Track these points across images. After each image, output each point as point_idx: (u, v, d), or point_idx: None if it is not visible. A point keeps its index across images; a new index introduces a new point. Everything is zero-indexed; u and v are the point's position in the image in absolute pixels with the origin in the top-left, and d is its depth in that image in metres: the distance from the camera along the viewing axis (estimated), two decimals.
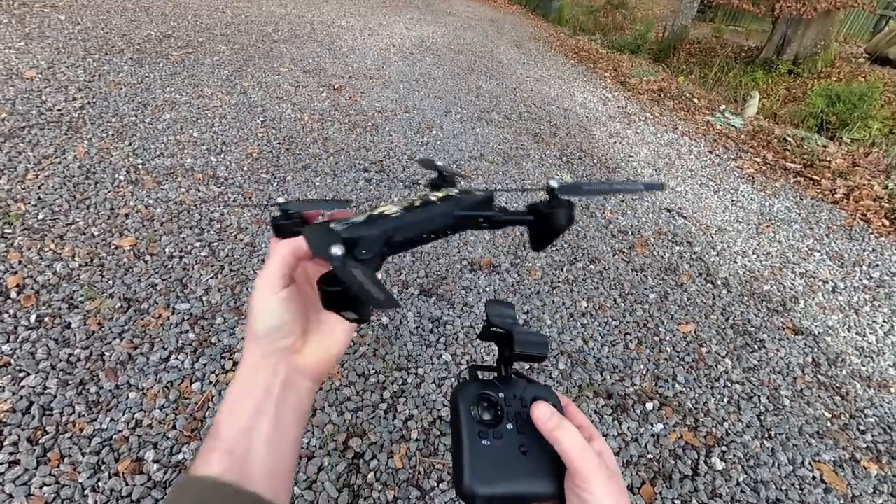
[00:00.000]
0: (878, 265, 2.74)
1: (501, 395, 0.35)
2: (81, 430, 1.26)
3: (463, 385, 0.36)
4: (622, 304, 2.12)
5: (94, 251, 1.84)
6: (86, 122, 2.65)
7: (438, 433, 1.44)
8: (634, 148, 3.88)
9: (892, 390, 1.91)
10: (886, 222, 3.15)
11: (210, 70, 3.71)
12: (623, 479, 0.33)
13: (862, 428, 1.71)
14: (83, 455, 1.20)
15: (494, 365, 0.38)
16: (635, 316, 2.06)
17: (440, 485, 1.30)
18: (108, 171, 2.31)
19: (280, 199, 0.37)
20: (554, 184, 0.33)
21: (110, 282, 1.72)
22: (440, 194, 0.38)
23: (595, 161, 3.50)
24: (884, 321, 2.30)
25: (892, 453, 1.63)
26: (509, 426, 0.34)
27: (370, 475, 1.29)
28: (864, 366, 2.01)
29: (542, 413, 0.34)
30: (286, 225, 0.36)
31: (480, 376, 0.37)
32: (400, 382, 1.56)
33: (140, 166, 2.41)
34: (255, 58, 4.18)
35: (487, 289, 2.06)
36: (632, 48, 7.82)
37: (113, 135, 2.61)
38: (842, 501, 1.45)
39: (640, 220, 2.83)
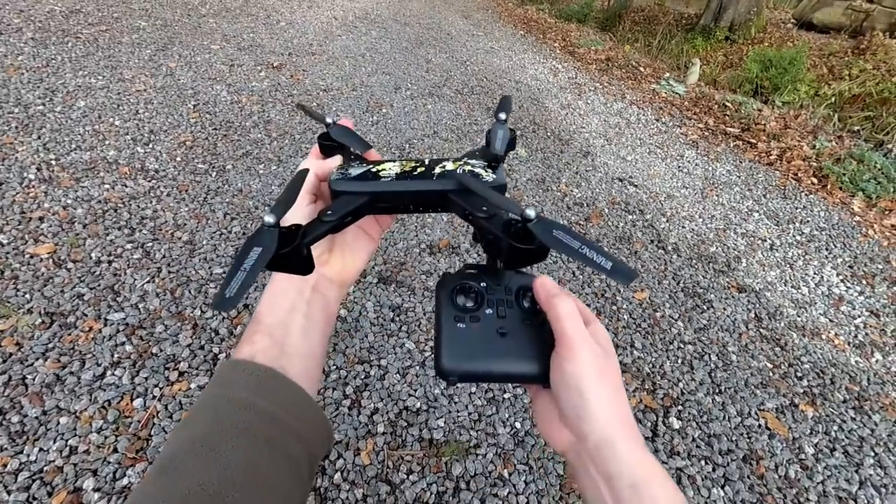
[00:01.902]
0: (808, 221, 2.94)
1: (483, 283, 0.36)
2: (5, 465, 1.13)
3: (446, 276, 0.38)
4: (581, 277, 2.16)
5: (4, 262, 1.63)
6: None
7: (406, 424, 1.41)
8: (586, 119, 3.92)
9: (823, 337, 2.07)
10: (815, 180, 3.38)
11: (129, 49, 3.35)
12: (618, 365, 0.32)
13: (799, 375, 1.85)
14: (9, 493, 1.08)
15: (485, 264, 0.39)
16: (593, 287, 2.11)
17: (410, 476, 1.28)
18: (14, 170, 2.04)
19: (329, 120, 0.42)
20: (530, 213, 0.31)
21: (27, 295, 1.54)
22: (449, 166, 0.39)
23: (548, 133, 3.50)
24: (814, 273, 2.49)
25: (824, 395, 1.78)
26: (488, 311, 0.35)
27: (336, 475, 1.25)
28: (799, 316, 2.17)
29: (545, 282, 0.35)
30: (328, 145, 0.43)
31: (467, 272, 0.39)
32: (363, 376, 1.52)
33: (53, 162, 2.15)
34: (180, 35, 3.81)
35: (449, 271, 2.02)
36: (579, 17, 7.82)
37: (17, 127, 2.30)
38: (784, 444, 1.57)
39: (594, 192, 2.87)
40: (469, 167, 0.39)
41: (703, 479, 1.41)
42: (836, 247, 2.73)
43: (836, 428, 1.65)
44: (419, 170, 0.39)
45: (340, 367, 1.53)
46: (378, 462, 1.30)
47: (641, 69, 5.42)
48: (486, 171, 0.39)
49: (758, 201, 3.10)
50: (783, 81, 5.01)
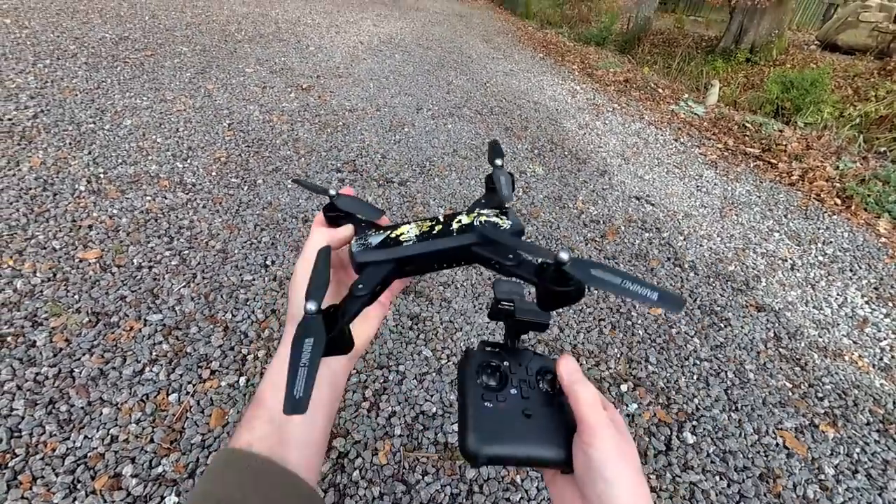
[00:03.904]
0: (831, 242, 2.90)
1: (506, 362, 0.36)
2: (53, 449, 1.22)
3: (469, 354, 0.37)
4: (596, 292, 2.18)
5: (56, 265, 1.77)
6: (40, 132, 2.54)
7: (422, 428, 1.46)
8: (603, 139, 3.98)
9: (846, 358, 2.04)
10: (838, 201, 3.34)
11: (171, 73, 3.60)
12: (636, 449, 0.32)
13: (820, 395, 1.83)
14: (56, 475, 1.17)
15: (502, 341, 0.39)
16: (609, 302, 2.13)
17: (425, 478, 1.32)
18: (67, 182, 2.22)
19: (332, 192, 0.42)
20: (564, 256, 0.30)
21: (76, 296, 1.67)
22: (465, 220, 0.39)
23: (566, 153, 3.57)
24: (837, 294, 2.45)
25: (846, 417, 1.74)
26: (513, 391, 0.34)
27: (355, 473, 1.30)
28: (820, 337, 2.14)
29: (568, 366, 0.34)
30: (335, 216, 0.43)
31: (488, 350, 0.38)
32: (381, 380, 1.58)
33: (102, 175, 2.33)
34: (218, 59, 4.08)
35: (465, 283, 2.08)
36: (598, 40, 7.97)
37: (70, 143, 2.51)
38: (803, 464, 1.54)
39: (610, 210, 2.91)
40: (484, 217, 0.40)
41: (717, 495, 1.40)
42: (860, 268, 2.69)
43: (858, 450, 1.62)
44: (437, 228, 0.39)
45: (360, 371, 1.60)
46: (395, 462, 1.34)
47: (660, 90, 5.48)
48: (501, 219, 0.40)
49: (778, 221, 3.08)
50: (805, 102, 4.98)
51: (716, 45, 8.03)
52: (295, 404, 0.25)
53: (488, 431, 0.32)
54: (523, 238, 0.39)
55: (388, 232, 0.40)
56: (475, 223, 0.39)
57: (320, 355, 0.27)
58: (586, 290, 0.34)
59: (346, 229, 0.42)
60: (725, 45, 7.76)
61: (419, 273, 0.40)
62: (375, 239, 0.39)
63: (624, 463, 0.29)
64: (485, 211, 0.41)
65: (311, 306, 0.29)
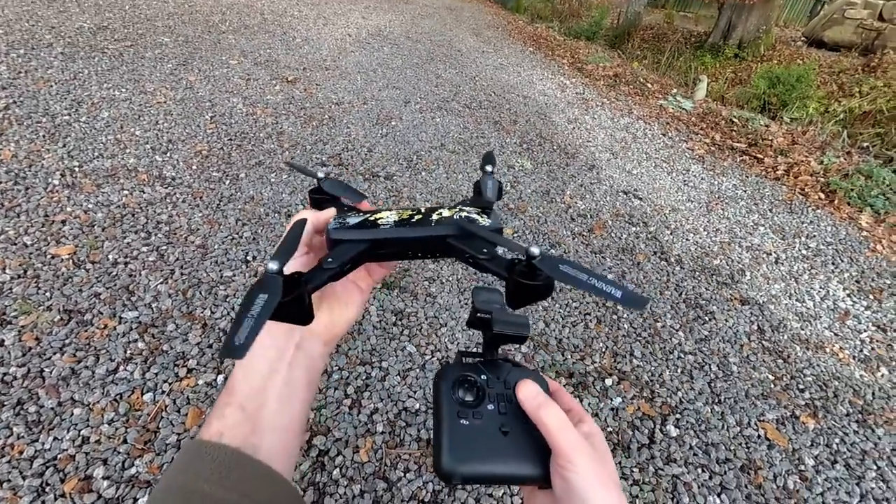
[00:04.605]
0: (815, 235, 2.93)
1: (483, 377, 0.35)
2: (21, 452, 1.18)
3: (445, 368, 0.36)
4: None
5: (27, 262, 1.72)
6: (12, 123, 2.45)
7: (404, 424, 1.44)
8: (592, 133, 3.97)
9: (827, 350, 2.06)
10: (822, 195, 3.38)
11: (152, 64, 3.50)
12: (614, 462, 0.32)
13: (801, 387, 1.84)
14: (24, 478, 1.13)
15: (480, 351, 0.37)
16: (595, 297, 2.13)
17: (407, 475, 1.31)
18: (40, 176, 2.15)
19: (320, 174, 0.43)
20: (535, 251, 0.31)
21: (47, 293, 1.62)
22: (445, 213, 0.40)
23: (554, 147, 3.56)
24: (820, 287, 2.47)
25: (826, 408, 1.76)
26: (490, 407, 0.33)
27: (335, 471, 1.28)
28: (802, 330, 2.16)
29: (527, 392, 0.33)
30: (320, 198, 0.43)
31: (465, 361, 0.37)
32: (364, 377, 1.55)
33: (77, 169, 2.26)
34: (201, 50, 3.98)
35: (450, 278, 2.06)
36: (588, 35, 7.95)
37: (44, 136, 2.43)
38: (784, 455, 1.56)
39: (598, 204, 2.90)
40: (465, 213, 0.40)
41: (699, 487, 1.41)
42: (842, 261, 2.72)
43: (837, 440, 1.64)
44: (416, 217, 0.39)
45: (343, 368, 1.57)
46: (376, 460, 1.32)
47: (649, 85, 5.49)
48: (482, 217, 0.40)
49: (763, 215, 3.10)
50: (791, 98, 5.03)
51: (704, 41, 8.06)
52: (232, 349, 0.24)
53: (463, 450, 0.31)
54: (501, 230, 0.39)
55: (367, 215, 0.41)
56: (455, 217, 0.39)
57: (270, 312, 0.26)
58: (555, 286, 0.33)
59: (329, 211, 0.42)
60: (714, 40, 7.79)
61: (393, 258, 0.40)
62: (353, 220, 0.40)
63: (601, 483, 0.29)
64: (467, 208, 0.41)
65: (273, 266, 0.29)
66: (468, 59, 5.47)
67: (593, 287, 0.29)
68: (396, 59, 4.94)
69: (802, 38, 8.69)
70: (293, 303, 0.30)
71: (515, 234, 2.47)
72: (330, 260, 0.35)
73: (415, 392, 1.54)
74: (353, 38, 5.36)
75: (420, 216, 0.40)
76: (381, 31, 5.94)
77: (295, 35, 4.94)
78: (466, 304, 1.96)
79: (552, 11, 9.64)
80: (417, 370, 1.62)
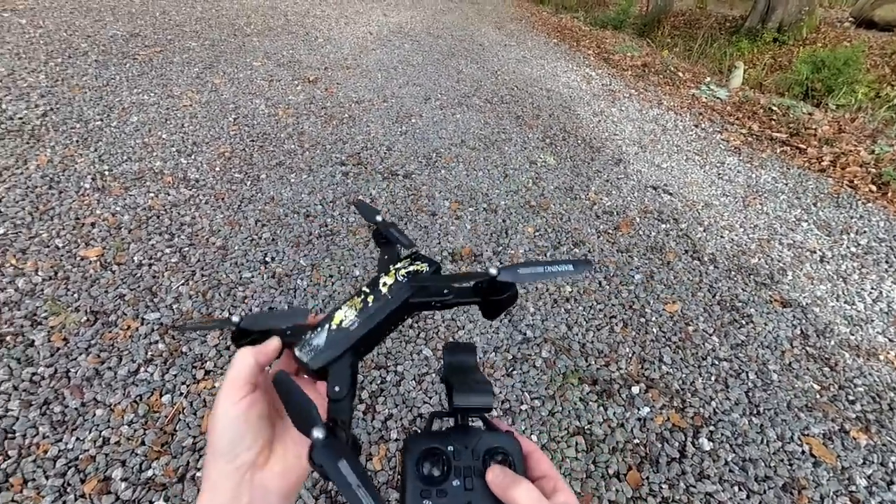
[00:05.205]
0: (865, 231, 2.71)
1: (451, 447, 0.33)
2: (46, 451, 1.21)
3: (412, 438, 0.34)
4: (607, 287, 2.08)
5: (58, 264, 1.77)
6: (48, 130, 2.56)
7: (419, 431, 1.40)
8: (619, 126, 3.81)
9: (881, 358, 1.89)
10: (873, 187, 3.12)
11: (179, 68, 3.60)
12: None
13: (851, 398, 1.70)
14: (47, 478, 1.16)
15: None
16: (621, 298, 2.03)
17: None
18: (72, 180, 2.23)
19: (235, 318, 0.38)
20: (493, 271, 0.35)
21: (76, 295, 1.66)
22: (389, 280, 0.40)
23: (579, 141, 3.44)
24: (872, 288, 2.28)
25: (881, 422, 1.61)
26: (455, 483, 0.32)
27: None
28: (852, 335, 1.99)
29: (494, 477, 0.31)
30: (246, 340, 0.38)
31: (437, 425, 0.36)
32: (379, 381, 1.53)
33: (106, 172, 2.33)
34: (226, 53, 4.06)
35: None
36: (615, 24, 7.68)
37: (77, 141, 2.52)
38: (831, 474, 1.43)
39: (625, 200, 2.78)
40: (404, 271, 0.41)
41: None
42: None
43: (894, 459, 1.49)
44: (370, 299, 0.39)
45: (357, 372, 1.55)
46: (390, 468, 1.29)
47: (680, 74, 5.24)
48: (418, 265, 0.41)
49: (807, 210, 2.89)
50: (837, 83, 4.68)
51: (741, 26, 7.64)
52: None
53: None
54: (441, 272, 0.41)
55: (326, 324, 0.38)
56: (398, 278, 0.40)
57: (363, 468, 0.27)
58: (519, 288, 0.33)
59: (272, 342, 0.37)
60: (751, 24, 7.37)
61: (374, 347, 0.40)
62: (319, 338, 0.37)
63: None
64: (398, 265, 0.42)
65: (319, 433, 0.28)
66: (490, 54, 5.37)
67: (551, 273, 0.34)
68: (417, 55, 4.90)
69: (850, 19, 8.11)
70: (355, 449, 0.31)
71: (537, 233, 2.39)
72: (338, 389, 0.34)
73: (430, 398, 1.50)
74: (374, 35, 5.35)
75: (371, 296, 0.39)
76: (402, 27, 5.91)
77: (317, 35, 4.97)
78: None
79: (577, 1, 9.37)
80: (433, 375, 1.57)
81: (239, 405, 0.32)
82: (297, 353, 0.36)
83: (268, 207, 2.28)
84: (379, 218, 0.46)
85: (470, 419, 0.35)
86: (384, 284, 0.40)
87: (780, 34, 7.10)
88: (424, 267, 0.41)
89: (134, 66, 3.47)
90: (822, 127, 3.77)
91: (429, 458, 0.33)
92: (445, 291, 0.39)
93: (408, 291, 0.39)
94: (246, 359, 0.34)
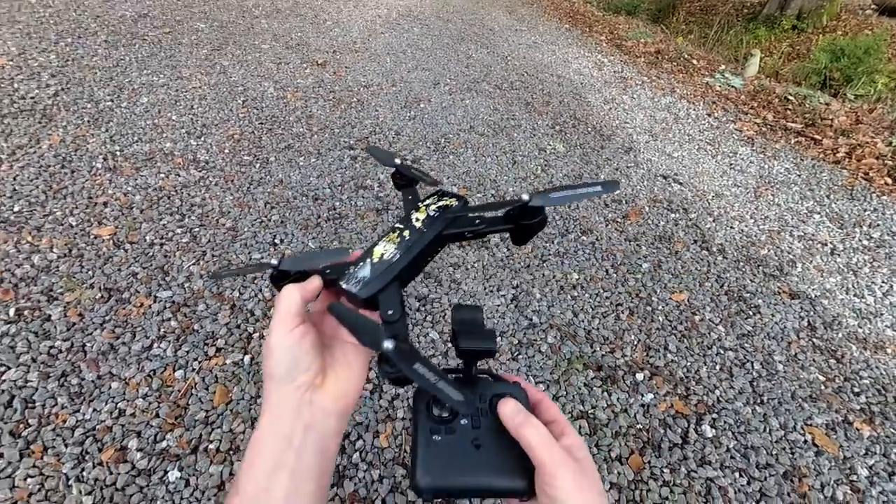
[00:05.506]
0: (878, 225, 2.68)
1: None
2: (64, 421, 1.25)
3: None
4: (614, 275, 2.08)
5: (72, 241, 1.80)
6: (60, 110, 2.57)
7: None
8: (630, 114, 3.76)
9: (889, 351, 1.88)
10: (889, 180, 3.07)
11: (188, 50, 3.58)
12: (599, 475, 0.33)
13: (856, 390, 1.70)
14: (66, 446, 1.20)
15: (461, 369, 0.39)
16: (627, 286, 2.03)
17: None
18: (84, 159, 2.25)
19: (273, 261, 0.39)
20: (525, 197, 0.36)
21: (90, 272, 1.69)
22: (421, 216, 0.42)
23: (589, 129, 3.40)
24: (883, 282, 2.26)
25: (885, 414, 1.61)
26: (463, 422, 0.35)
27: (355, 455, 1.28)
28: (860, 328, 1.98)
29: (508, 410, 0.34)
30: (286, 282, 0.40)
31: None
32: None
33: (118, 153, 2.35)
34: (234, 35, 4.03)
35: (476, 264, 2.02)
36: (629, 9, 7.51)
37: (89, 121, 2.53)
38: (833, 463, 1.44)
39: (634, 189, 2.76)
40: (434, 206, 0.42)
41: (736, 492, 1.33)
42: None
43: None
44: (405, 233, 0.41)
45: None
46: (396, 446, 1.32)
47: (694, 62, 5.13)
48: (445, 199, 0.43)
49: (820, 202, 2.86)
50: (857, 73, 4.57)
51: (759, 12, 7.44)
52: (467, 403, 0.30)
53: (435, 465, 0.33)
54: (468, 204, 0.42)
55: (367, 259, 0.40)
56: (430, 213, 0.41)
57: (435, 365, 0.29)
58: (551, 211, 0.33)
59: (314, 280, 0.39)
60: (769, 11, 7.18)
61: (414, 277, 0.42)
62: (363, 271, 0.39)
63: (582, 496, 0.30)
64: (427, 202, 0.43)
65: (390, 344, 0.29)
66: (500, 38, 5.28)
67: (581, 195, 0.35)
68: (426, 39, 4.84)
69: (873, 6, 7.87)
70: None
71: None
72: (391, 312, 0.35)
73: None
74: (382, 19, 5.28)
75: (407, 230, 0.41)
76: (412, 11, 5.83)
77: (326, 18, 4.92)
78: (491, 290, 1.91)
79: None
80: (440, 357, 1.59)
81: (293, 334, 0.34)
82: (343, 286, 0.37)
83: (277, 190, 2.29)
84: (398, 160, 0.46)
85: (477, 367, 0.37)
86: (417, 220, 0.41)
87: (800, 21, 6.91)
88: (453, 201, 0.42)
89: (143, 48, 3.46)
90: (839, 118, 3.70)
91: (438, 401, 0.35)
92: (477, 221, 0.40)
93: (442, 223, 0.40)
94: (293, 294, 0.36)
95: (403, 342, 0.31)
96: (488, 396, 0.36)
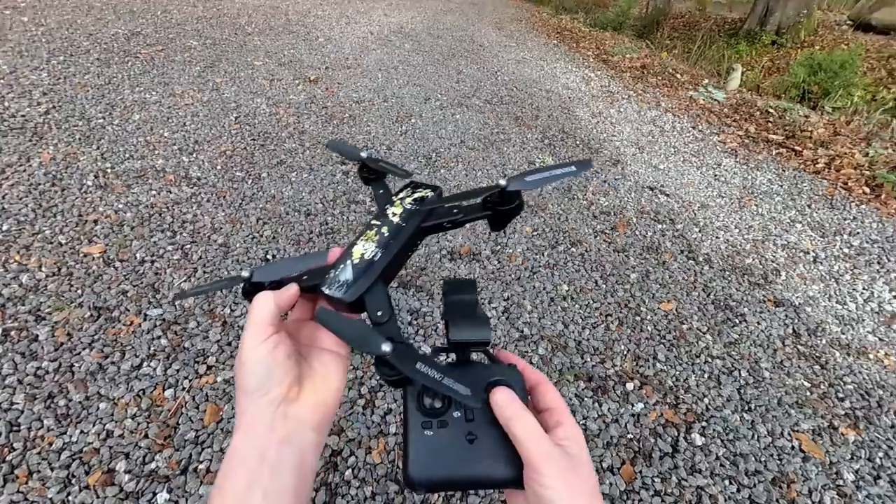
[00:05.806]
0: (858, 233, 2.75)
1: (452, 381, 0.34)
2: (50, 444, 1.24)
3: None
4: (603, 286, 2.11)
5: (61, 260, 1.80)
6: (51, 127, 2.58)
7: None
8: (617, 127, 3.85)
9: (871, 356, 1.92)
10: (867, 189, 3.16)
11: (181, 67, 3.61)
12: (593, 469, 0.31)
13: (840, 395, 1.73)
14: (52, 470, 1.18)
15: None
16: (616, 297, 2.06)
17: None
18: (75, 177, 2.25)
19: (245, 273, 0.38)
20: (502, 182, 0.35)
21: (79, 291, 1.69)
22: (397, 210, 0.41)
23: (577, 142, 3.47)
24: (863, 288, 2.31)
25: (869, 419, 1.65)
26: (456, 414, 0.33)
27: (347, 472, 1.28)
28: (843, 334, 2.03)
29: (500, 400, 0.33)
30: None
31: (436, 362, 0.36)
32: (377, 377, 1.55)
33: (109, 170, 2.35)
34: (227, 52, 4.08)
35: (468, 276, 2.04)
36: (614, 25, 7.71)
37: (80, 139, 2.54)
38: (820, 469, 1.46)
39: (622, 200, 2.81)
40: (409, 199, 0.41)
41: (725, 500, 1.34)
42: (889, 260, 2.54)
43: (881, 454, 1.52)
44: (383, 229, 0.40)
45: (357, 368, 1.57)
46: (388, 461, 1.32)
47: (678, 76, 5.28)
48: (420, 191, 0.42)
49: (801, 211, 2.93)
50: (833, 86, 4.73)
51: (739, 28, 7.69)
52: (475, 398, 0.29)
53: (427, 461, 0.32)
54: (442, 195, 0.42)
55: (347, 260, 0.38)
56: (406, 206, 0.41)
57: (436, 362, 0.29)
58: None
59: (290, 287, 0.38)
60: (750, 27, 7.42)
61: (396, 273, 0.41)
62: (345, 274, 0.37)
63: (570, 494, 0.29)
64: (401, 195, 0.43)
65: (387, 346, 0.29)
66: (490, 54, 5.40)
67: (555, 176, 0.35)
68: (417, 55, 4.92)
69: (848, 22, 8.16)
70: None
71: (535, 232, 2.42)
72: (380, 313, 0.35)
73: None
74: (374, 35, 5.38)
75: (385, 226, 0.40)
76: (403, 28, 5.94)
77: (318, 35, 5.00)
78: (483, 303, 1.93)
79: (577, 2, 9.41)
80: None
81: (266, 344, 0.33)
82: (326, 291, 0.36)
83: (269, 205, 2.30)
84: (363, 154, 0.45)
85: (472, 354, 0.36)
86: (394, 215, 0.40)
87: (779, 37, 7.15)
88: (427, 192, 0.42)
89: (135, 65, 3.49)
90: (818, 129, 3.81)
91: (431, 391, 0.34)
92: (455, 211, 0.39)
93: (420, 216, 0.39)
94: (266, 302, 0.34)
95: (399, 343, 0.31)
96: (484, 382, 0.35)
